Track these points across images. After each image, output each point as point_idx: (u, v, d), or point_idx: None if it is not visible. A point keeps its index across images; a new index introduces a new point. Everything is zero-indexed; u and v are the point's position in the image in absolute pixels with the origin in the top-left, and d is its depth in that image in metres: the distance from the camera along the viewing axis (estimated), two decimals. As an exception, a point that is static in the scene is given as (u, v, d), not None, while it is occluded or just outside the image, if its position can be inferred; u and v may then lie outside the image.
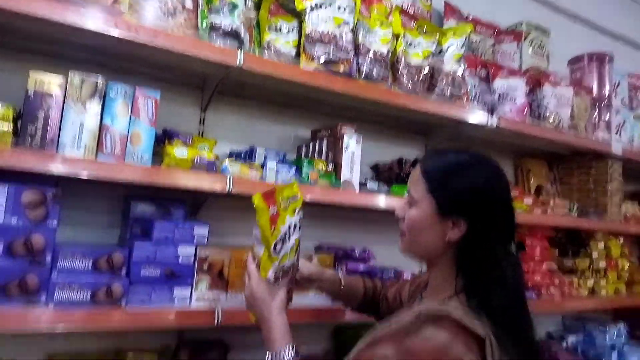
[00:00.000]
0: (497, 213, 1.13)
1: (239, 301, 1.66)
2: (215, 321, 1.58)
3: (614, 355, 2.78)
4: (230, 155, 1.89)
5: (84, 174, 1.38)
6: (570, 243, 2.88)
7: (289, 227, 1.32)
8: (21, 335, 1.63)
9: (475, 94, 2.28)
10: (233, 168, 1.63)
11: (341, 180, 1.84)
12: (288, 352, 1.18)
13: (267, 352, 1.21)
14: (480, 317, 1.03)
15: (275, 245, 1.29)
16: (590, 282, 2.77)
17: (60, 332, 1.65)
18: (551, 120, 2.50)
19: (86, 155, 1.40)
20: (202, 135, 1.98)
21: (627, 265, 2.97)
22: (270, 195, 1.30)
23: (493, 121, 2.19)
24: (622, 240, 3.01)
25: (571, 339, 2.89)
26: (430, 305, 1.09)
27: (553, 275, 2.61)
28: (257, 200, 1.28)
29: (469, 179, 1.13)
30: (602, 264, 2.84)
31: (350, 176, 1.86)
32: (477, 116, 2.17)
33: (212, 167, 1.60)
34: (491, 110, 2.21)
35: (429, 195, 1.15)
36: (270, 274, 1.29)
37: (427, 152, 1.19)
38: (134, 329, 1.61)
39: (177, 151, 1.53)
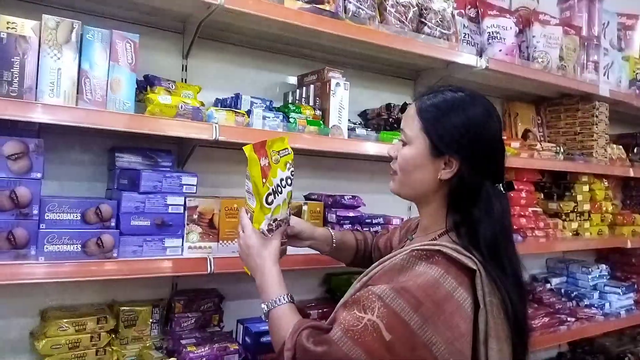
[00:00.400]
0: (489, 152, 1.13)
1: (231, 250, 1.66)
2: (208, 269, 1.58)
3: (596, 295, 2.88)
4: (215, 103, 1.85)
5: (65, 122, 1.33)
6: (555, 186, 2.92)
7: (281, 181, 1.31)
8: (14, 290, 1.62)
9: (465, 35, 2.23)
10: (219, 115, 1.59)
11: (329, 126, 1.82)
12: (282, 301, 1.18)
13: (262, 302, 1.21)
14: (470, 252, 1.05)
15: (267, 197, 1.27)
16: (574, 225, 2.83)
17: (53, 286, 1.65)
18: (540, 61, 2.48)
19: (66, 103, 1.35)
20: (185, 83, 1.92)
21: (610, 208, 3.03)
22: (261, 147, 1.28)
23: (482, 62, 2.16)
24: (606, 183, 3.05)
25: (555, 281, 2.98)
26: (421, 243, 1.10)
27: (538, 218, 2.66)
28: (248, 151, 1.26)
29: (464, 118, 1.11)
30: (586, 206, 2.89)
31: (339, 122, 1.84)
32: (466, 57, 2.13)
33: (197, 115, 1.56)
34: (480, 52, 2.17)
35: (423, 134, 1.13)
36: (264, 225, 1.28)
37: (423, 91, 1.17)
38: (127, 279, 1.62)
39: (161, 98, 1.49)
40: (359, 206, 2.01)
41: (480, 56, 2.17)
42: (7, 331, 1.63)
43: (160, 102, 1.48)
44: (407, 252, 1.07)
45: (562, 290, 2.92)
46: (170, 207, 1.58)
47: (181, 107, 1.51)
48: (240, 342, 1.70)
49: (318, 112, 1.84)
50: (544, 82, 2.52)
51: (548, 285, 2.94)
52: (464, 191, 1.11)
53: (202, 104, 1.61)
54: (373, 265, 1.14)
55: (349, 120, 1.92)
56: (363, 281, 1.10)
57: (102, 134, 1.72)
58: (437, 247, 1.04)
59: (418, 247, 1.07)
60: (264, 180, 1.26)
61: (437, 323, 0.97)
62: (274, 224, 1.32)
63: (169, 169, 1.72)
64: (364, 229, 2.00)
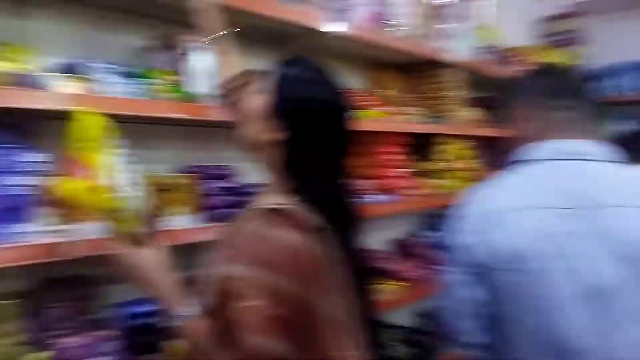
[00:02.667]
0: (320, 130, 1.17)
1: (87, 232, 1.53)
2: (68, 254, 1.45)
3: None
4: (55, 68, 1.65)
5: None
6: (420, 148, 3.12)
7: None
8: None
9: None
10: (60, 82, 1.45)
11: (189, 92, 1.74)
12: (182, 310, 1.13)
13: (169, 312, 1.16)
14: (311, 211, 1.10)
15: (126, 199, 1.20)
16: (444, 182, 3.05)
17: None
18: (398, 27, 2.61)
19: None
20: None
21: (475, 166, 3.32)
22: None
23: (342, 28, 2.22)
24: (466, 143, 3.32)
25: (429, 235, 3.20)
26: (264, 203, 1.13)
27: (407, 178, 2.83)
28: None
29: (299, 90, 1.16)
30: (454, 165, 3.13)
31: (199, 88, 1.77)
32: (327, 24, 2.17)
33: (33, 81, 1.40)
34: (341, 18, 2.24)
35: (269, 92, 1.17)
36: (136, 227, 1.21)
37: (296, 56, 1.25)
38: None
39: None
40: (235, 175, 1.98)
41: (341, 21, 2.24)
42: None
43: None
44: (251, 212, 1.12)
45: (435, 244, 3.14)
46: (14, 188, 1.41)
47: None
48: (117, 327, 1.60)
49: (176, 78, 1.75)
50: (401, 49, 2.67)
51: (422, 240, 3.15)
52: (294, 160, 1.15)
53: (40, 70, 1.44)
54: (227, 229, 1.20)
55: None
56: (219, 253, 1.13)
57: None
58: (276, 206, 1.08)
59: (259, 207, 1.11)
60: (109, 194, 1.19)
61: (298, 276, 1.01)
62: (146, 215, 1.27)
63: (12, 146, 1.53)
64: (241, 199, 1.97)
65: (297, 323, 1.00)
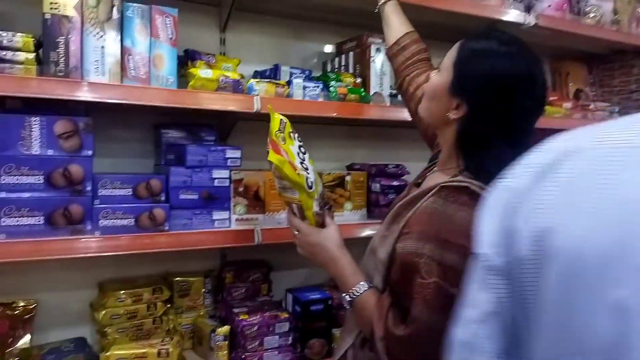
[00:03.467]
0: (506, 114, 1.06)
1: (277, 221, 1.68)
2: (255, 241, 1.60)
3: None
4: (254, 75, 1.84)
5: (111, 99, 1.36)
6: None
7: (299, 155, 1.29)
8: (73, 264, 1.70)
9: (511, -9, 2.12)
10: (259, 87, 1.59)
11: (370, 94, 1.78)
12: (362, 289, 1.15)
13: (343, 293, 1.18)
14: None
15: (307, 181, 1.25)
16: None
17: (109, 259, 1.72)
18: (592, 15, 2.33)
19: (111, 80, 1.38)
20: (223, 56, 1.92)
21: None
22: (274, 144, 1.24)
23: (530, 19, 2.05)
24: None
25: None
26: (449, 179, 1.08)
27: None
28: (272, 157, 1.21)
29: (487, 66, 1.06)
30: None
31: (380, 89, 1.79)
32: (513, 15, 2.03)
33: (237, 87, 1.55)
34: (528, 8, 2.06)
35: (452, 68, 1.10)
36: (316, 207, 1.27)
37: (480, 31, 1.15)
38: (179, 251, 1.66)
39: (202, 72, 1.49)
40: (404, 175, 1.98)
41: (529, 12, 2.06)
42: (68, 303, 1.71)
43: (202, 76, 1.49)
44: (436, 190, 1.07)
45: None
46: (216, 180, 1.60)
47: (222, 80, 1.52)
48: (290, 311, 1.73)
49: (358, 80, 1.80)
50: (596, 38, 2.37)
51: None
52: (468, 139, 1.10)
53: (242, 77, 1.60)
54: (398, 205, 1.14)
55: (390, 87, 1.88)
56: (397, 230, 1.09)
57: (145, 111, 1.75)
58: (464, 184, 1.03)
59: (447, 184, 1.06)
60: (296, 171, 1.23)
61: None
62: (321, 199, 1.31)
63: (212, 143, 1.74)
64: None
65: None
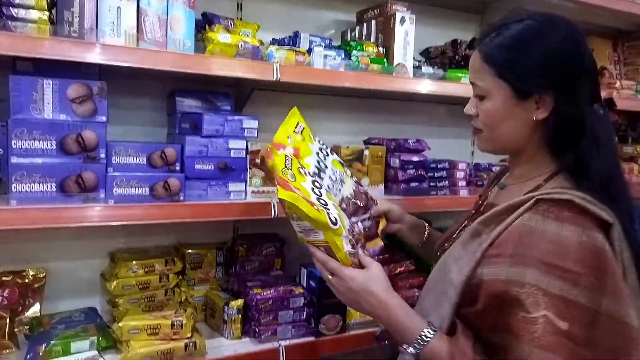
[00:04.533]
0: (581, 75, 0.98)
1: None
2: (272, 214, 1.56)
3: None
4: (272, 43, 1.77)
5: (126, 63, 1.30)
6: (631, 129, 2.71)
7: (314, 190, 1.09)
8: (84, 232, 1.67)
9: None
10: (279, 54, 1.52)
11: (394, 65, 1.71)
12: (429, 336, 0.97)
13: (405, 345, 0.99)
14: (599, 201, 0.93)
15: (329, 216, 1.03)
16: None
17: (121, 228, 1.69)
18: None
19: (127, 43, 1.31)
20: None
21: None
22: (282, 183, 1.04)
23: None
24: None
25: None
26: (546, 191, 0.96)
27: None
28: (282, 194, 1.02)
29: (541, 48, 0.96)
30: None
31: (404, 60, 1.72)
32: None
33: (257, 54, 1.49)
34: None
35: (498, 81, 0.99)
36: (347, 246, 1.07)
37: (483, 32, 1.06)
38: (191, 222, 1.62)
39: (220, 36, 1.42)
40: (424, 150, 1.92)
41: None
42: (79, 272, 1.69)
43: (220, 40, 1.42)
44: (531, 205, 0.93)
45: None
46: (232, 151, 1.55)
47: (241, 46, 1.45)
48: (305, 286, 1.70)
49: (381, 50, 1.73)
50: (625, 12, 2.27)
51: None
52: (565, 126, 0.98)
53: (262, 43, 1.54)
54: (478, 222, 1.01)
55: (413, 58, 1.80)
56: (479, 251, 0.96)
57: (160, 77, 1.69)
58: (566, 197, 0.91)
59: (544, 197, 0.93)
60: (314, 207, 1.03)
61: (603, 287, 0.86)
62: (352, 231, 1.14)
63: (228, 112, 1.69)
64: (428, 174, 1.93)
65: (587, 340, 0.85)
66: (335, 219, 1.04)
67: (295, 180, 1.08)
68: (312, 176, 1.15)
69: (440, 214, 2.30)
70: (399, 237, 1.42)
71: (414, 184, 1.89)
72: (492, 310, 0.92)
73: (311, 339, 1.63)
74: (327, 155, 1.24)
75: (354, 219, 1.21)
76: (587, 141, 0.97)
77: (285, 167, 1.10)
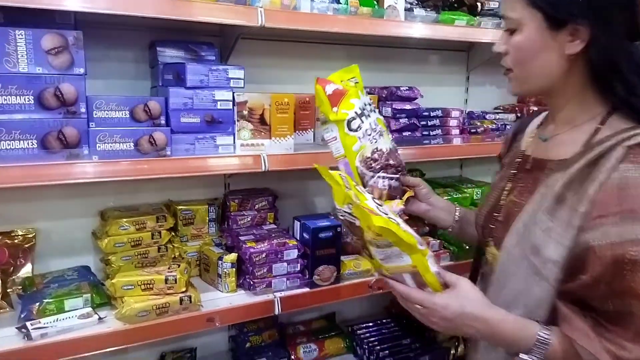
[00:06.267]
0: (619, 3, 0.90)
1: (284, 147, 1.59)
2: (262, 167, 1.53)
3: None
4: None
5: (101, 9, 1.23)
6: None
7: (377, 206, 0.97)
8: (72, 191, 1.63)
9: None
10: (261, -2, 1.45)
11: (384, 7, 1.64)
12: (548, 339, 0.89)
13: (523, 355, 0.91)
14: None
15: (415, 236, 0.92)
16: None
17: (109, 186, 1.66)
18: None
19: (100, -12, 1.24)
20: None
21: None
22: (364, 211, 0.93)
23: None
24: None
25: None
26: (627, 134, 0.88)
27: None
28: (379, 221, 0.89)
29: None
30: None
31: (395, 2, 1.65)
32: None
33: (238, -2, 1.41)
34: None
35: (531, 10, 0.92)
36: (433, 266, 0.94)
37: None
38: (182, 178, 1.59)
39: (201, -21, 1.34)
40: (416, 97, 1.88)
41: None
42: (70, 231, 1.67)
43: (200, -16, 1.34)
44: (622, 154, 0.86)
45: None
46: (219, 102, 1.50)
47: (223, -11, 1.37)
48: (298, 239, 1.69)
49: (372, -8, 1.65)
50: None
51: None
52: (605, 60, 0.91)
53: (245, -14, 1.46)
54: (560, 186, 0.91)
55: (404, 0, 1.73)
56: (577, 216, 0.88)
57: (139, 27, 1.62)
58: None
59: (630, 143, 0.86)
60: (402, 228, 0.92)
61: None
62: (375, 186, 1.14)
63: (213, 62, 1.62)
64: (420, 123, 1.89)
65: None
66: (420, 239, 0.94)
67: (360, 202, 0.94)
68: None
69: (434, 163, 2.29)
70: (428, 220, 1.31)
71: (406, 133, 1.86)
72: (606, 277, 0.84)
73: (306, 290, 1.64)
74: (372, 111, 1.21)
75: (382, 174, 1.19)
76: (635, 75, 0.91)
77: (347, 187, 0.98)
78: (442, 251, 1.92)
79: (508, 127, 2.13)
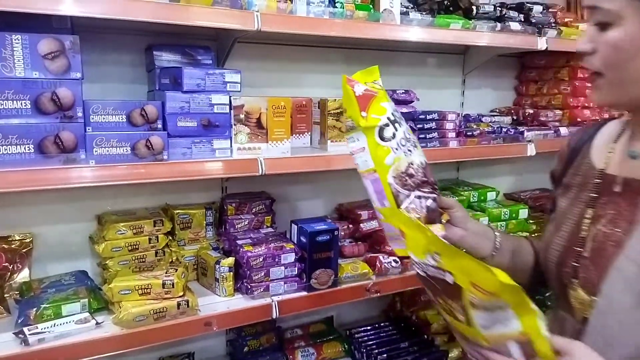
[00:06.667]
0: None
1: (281, 151, 1.60)
2: (259, 171, 1.53)
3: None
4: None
5: (98, 14, 1.23)
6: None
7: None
8: (69, 195, 1.63)
9: None
10: (259, 2, 1.45)
11: (380, 11, 1.64)
12: None
13: None
14: None
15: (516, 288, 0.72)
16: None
17: (106, 190, 1.66)
18: None
19: (97, -7, 1.24)
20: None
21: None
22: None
23: None
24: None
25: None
26: None
27: (603, 109, 2.45)
28: (505, 279, 0.71)
29: None
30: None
31: (390, 5, 1.66)
32: None
33: (236, 2, 1.42)
34: None
35: (635, 2, 0.77)
36: (544, 328, 0.75)
37: None
38: (179, 182, 1.59)
39: (197, -16, 1.35)
40: (412, 101, 1.88)
41: None
42: (67, 235, 1.66)
43: (197, -12, 1.35)
44: None
45: None
46: (215, 106, 1.50)
47: (219, -7, 1.38)
48: (296, 242, 1.69)
49: (368, -4, 1.66)
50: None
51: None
52: None
53: (241, -9, 1.46)
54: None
55: (400, 4, 1.73)
56: None
57: (136, 31, 1.62)
58: None
59: None
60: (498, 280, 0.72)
61: None
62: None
63: (210, 66, 1.63)
64: (417, 126, 1.89)
65: None
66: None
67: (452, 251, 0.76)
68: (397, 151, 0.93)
69: (430, 166, 2.29)
70: (464, 248, 1.06)
71: (403, 136, 1.86)
72: None
73: (303, 293, 1.64)
74: (401, 118, 1.04)
75: (418, 192, 1.00)
76: None
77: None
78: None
79: (504, 129, 2.14)
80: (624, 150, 0.91)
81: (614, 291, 0.80)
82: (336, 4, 1.59)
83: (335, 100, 1.73)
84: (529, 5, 2.05)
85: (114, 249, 1.56)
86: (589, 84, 0.88)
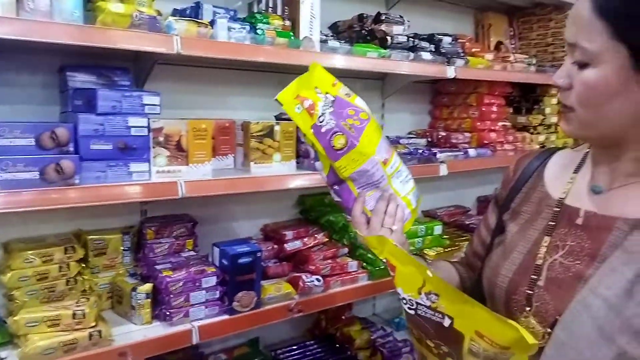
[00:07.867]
0: None
1: (202, 173, 1.59)
2: (179, 194, 1.51)
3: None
4: (173, 13, 1.68)
5: (6, 35, 1.18)
6: (524, 100, 2.92)
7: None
8: (-31, 223, 1.52)
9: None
10: (179, 26, 1.45)
11: (300, 38, 1.70)
12: None
13: None
14: None
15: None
16: (541, 138, 2.87)
17: (13, 216, 1.56)
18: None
19: (5, 13, 1.19)
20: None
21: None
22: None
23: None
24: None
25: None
26: None
27: (507, 132, 2.67)
28: (522, 335, 0.68)
29: None
30: (554, 119, 2.92)
31: (310, 34, 1.72)
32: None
33: (154, 25, 1.41)
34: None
35: (615, 43, 0.76)
36: None
37: None
38: (93, 207, 1.53)
39: (112, 6, 1.33)
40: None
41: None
42: (-32, 266, 1.54)
43: (112, 10, 1.33)
44: None
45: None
46: (132, 129, 1.47)
47: (136, 16, 1.37)
48: (217, 265, 1.68)
49: (287, 23, 1.71)
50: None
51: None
52: None
53: (159, 14, 1.46)
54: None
55: (320, 32, 1.80)
56: None
57: (49, 52, 1.56)
58: None
59: None
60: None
61: None
62: None
63: (127, 88, 1.60)
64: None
65: None
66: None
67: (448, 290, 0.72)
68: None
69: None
70: None
71: (325, 158, 1.91)
72: None
73: (225, 317, 1.63)
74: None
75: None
76: None
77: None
78: (360, 271, 1.98)
79: (419, 151, 2.26)
80: (587, 183, 0.91)
81: (575, 325, 0.77)
82: (257, 31, 1.62)
83: (258, 123, 1.75)
84: (439, 37, 2.19)
85: (21, 279, 1.47)
86: (560, 113, 0.90)
